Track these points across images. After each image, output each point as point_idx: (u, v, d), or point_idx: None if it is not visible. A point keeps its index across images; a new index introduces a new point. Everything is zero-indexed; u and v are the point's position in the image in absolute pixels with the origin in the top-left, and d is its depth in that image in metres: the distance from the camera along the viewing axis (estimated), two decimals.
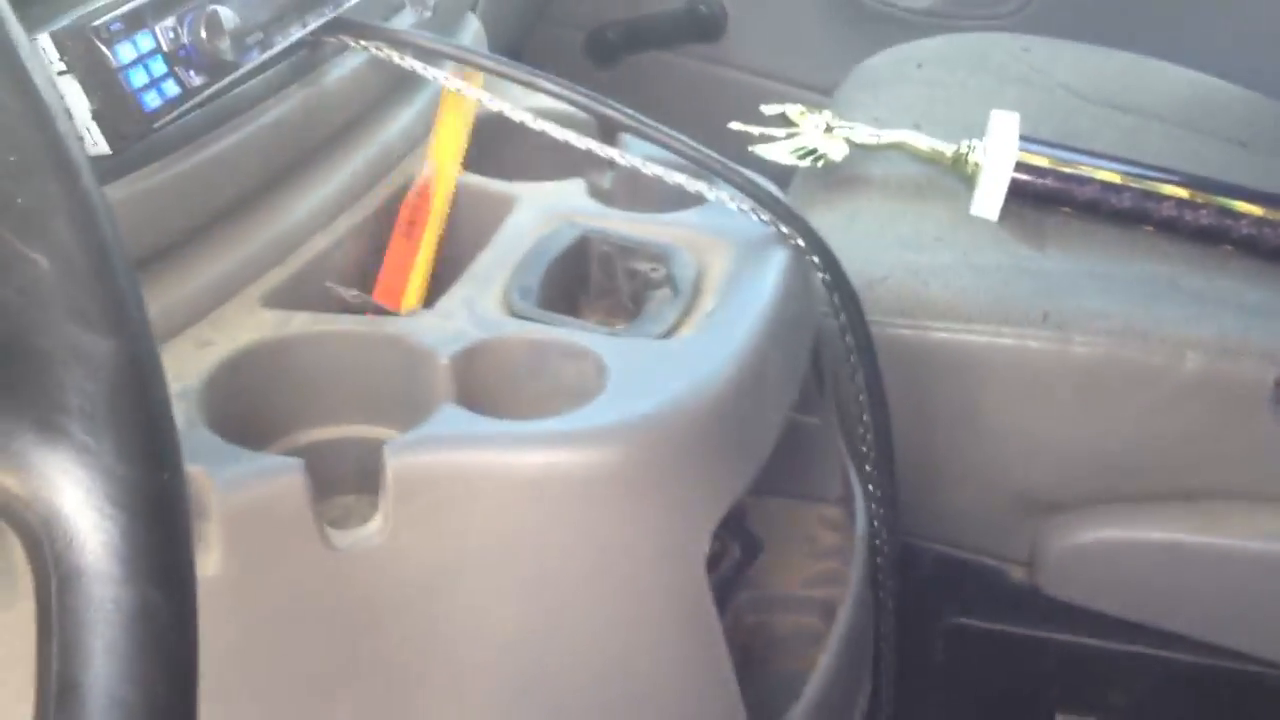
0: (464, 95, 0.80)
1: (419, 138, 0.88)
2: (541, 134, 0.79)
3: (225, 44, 0.65)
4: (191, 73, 0.64)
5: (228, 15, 0.66)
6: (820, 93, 1.43)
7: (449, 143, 0.85)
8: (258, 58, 0.69)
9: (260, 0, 0.70)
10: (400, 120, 0.88)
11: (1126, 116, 1.24)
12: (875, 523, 0.86)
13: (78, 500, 0.31)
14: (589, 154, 0.80)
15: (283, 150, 0.76)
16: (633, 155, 0.79)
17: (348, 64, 0.81)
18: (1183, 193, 1.05)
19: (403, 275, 0.79)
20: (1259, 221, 1.04)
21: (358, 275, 0.80)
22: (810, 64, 1.70)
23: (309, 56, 0.77)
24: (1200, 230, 1.05)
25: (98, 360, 0.31)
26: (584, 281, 0.81)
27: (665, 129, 0.80)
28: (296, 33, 0.72)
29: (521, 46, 1.72)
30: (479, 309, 0.72)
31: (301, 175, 0.78)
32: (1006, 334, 0.97)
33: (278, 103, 0.74)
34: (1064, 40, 1.37)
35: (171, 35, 0.63)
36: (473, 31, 1.02)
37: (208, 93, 0.66)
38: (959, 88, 1.28)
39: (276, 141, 0.74)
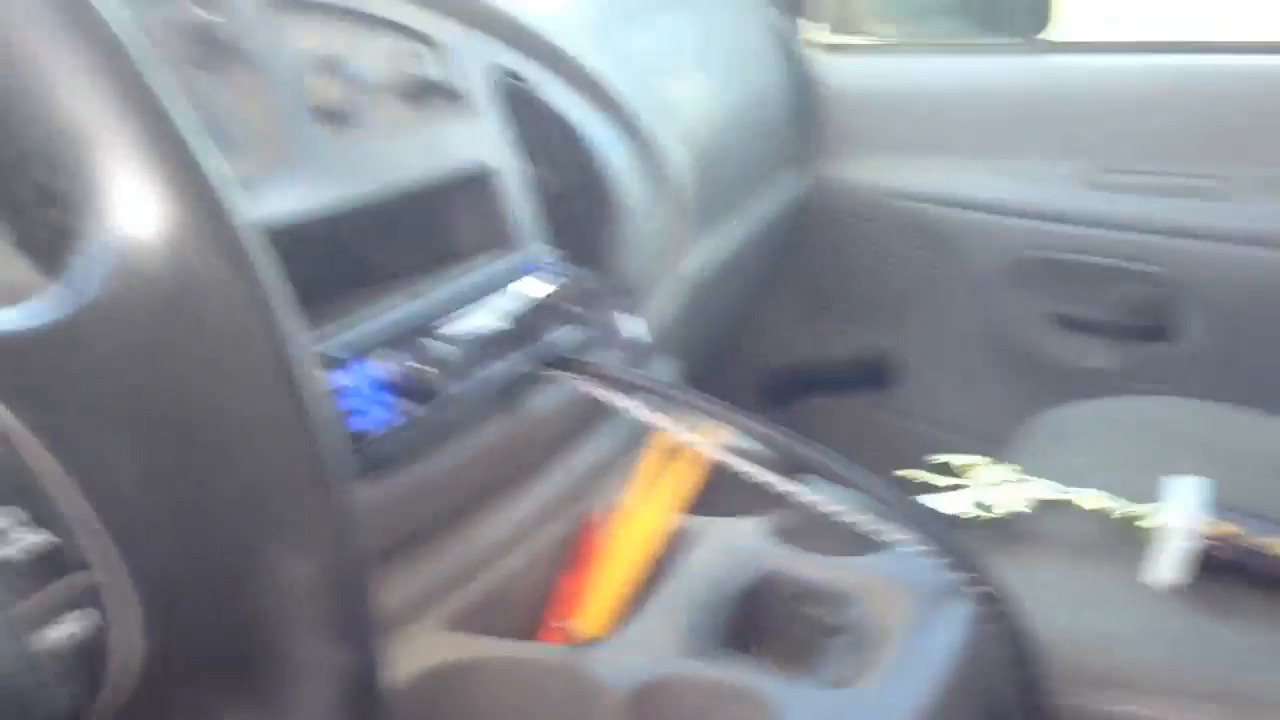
0: (663, 433, 0.83)
1: (610, 467, 0.92)
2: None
3: (438, 376, 0.70)
4: (404, 401, 0.69)
5: (442, 351, 0.71)
6: (993, 444, 1.43)
7: (649, 479, 0.88)
8: (467, 392, 0.73)
9: (471, 338, 0.75)
10: (593, 449, 0.91)
11: None
12: None
13: None
14: (772, 490, 0.81)
15: (482, 475, 0.79)
16: (816, 494, 0.80)
17: (548, 395, 0.85)
18: None
19: (571, 605, 0.80)
20: None
21: (541, 600, 0.81)
22: (984, 416, 1.70)
23: (513, 387, 0.81)
24: None
25: (336, 672, 0.33)
26: (761, 622, 0.81)
27: (854, 469, 0.80)
28: (503, 368, 0.77)
29: (701, 382, 1.77)
30: (656, 645, 0.73)
31: (496, 499, 0.81)
32: (1187, 710, 0.92)
33: (481, 430, 0.78)
34: (1239, 407, 1.35)
35: (391, 366, 0.68)
36: (667, 368, 1.07)
37: (417, 420, 0.70)
38: (1135, 449, 1.26)
39: (477, 467, 0.78)
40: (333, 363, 0.66)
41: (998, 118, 1.66)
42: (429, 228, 0.86)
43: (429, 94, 0.80)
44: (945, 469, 1.12)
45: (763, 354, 1.87)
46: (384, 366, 0.68)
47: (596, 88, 0.99)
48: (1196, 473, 1.10)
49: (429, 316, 0.73)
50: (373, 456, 0.69)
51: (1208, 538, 1.03)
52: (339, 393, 0.66)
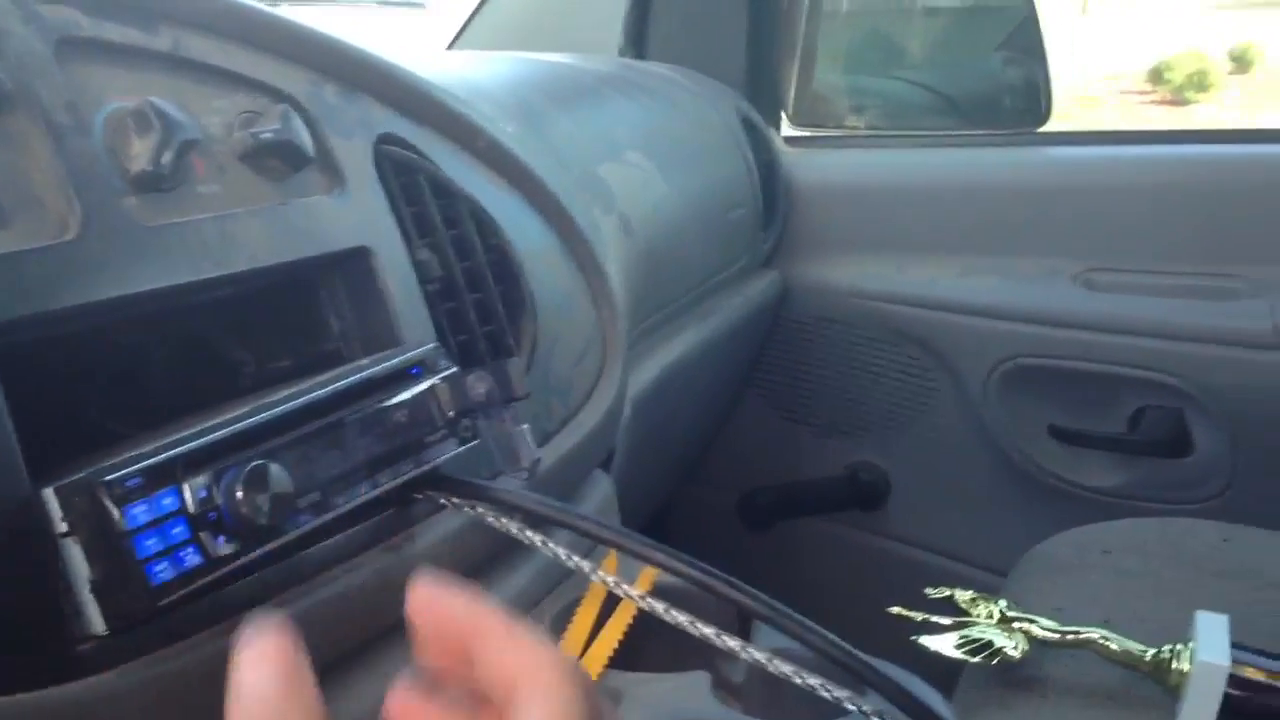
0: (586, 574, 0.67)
1: (525, 609, 0.77)
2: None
3: (265, 506, 0.54)
4: (220, 540, 0.53)
5: (277, 473, 0.55)
6: (992, 573, 1.29)
7: (574, 628, 0.73)
8: (310, 522, 0.58)
9: (321, 454, 0.59)
10: (505, 588, 0.76)
11: None
12: None
13: None
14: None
15: (350, 629, 0.64)
16: (765, 648, 0.65)
17: (442, 527, 0.70)
18: None
19: None
20: None
21: None
22: (980, 541, 1.57)
23: (394, 518, 0.66)
24: None
25: None
26: None
27: (807, 623, 0.65)
28: (365, 493, 0.61)
29: (669, 505, 1.64)
30: None
31: (375, 658, 0.66)
32: None
33: (347, 572, 0.63)
34: (1272, 532, 1.21)
35: (204, 494, 0.52)
36: (602, 493, 0.92)
37: (237, 564, 0.54)
38: (1153, 579, 1.13)
39: (342, 619, 0.62)
40: (123, 492, 0.50)
41: (983, 214, 1.56)
42: (302, 324, 0.72)
43: (285, 160, 0.67)
44: (946, 604, 0.98)
45: (737, 471, 1.73)
46: (195, 497, 0.53)
47: (510, 164, 0.86)
48: (1215, 602, 0.97)
49: (278, 430, 0.58)
50: (194, 611, 0.53)
51: (1240, 683, 0.90)
52: (127, 533, 0.50)
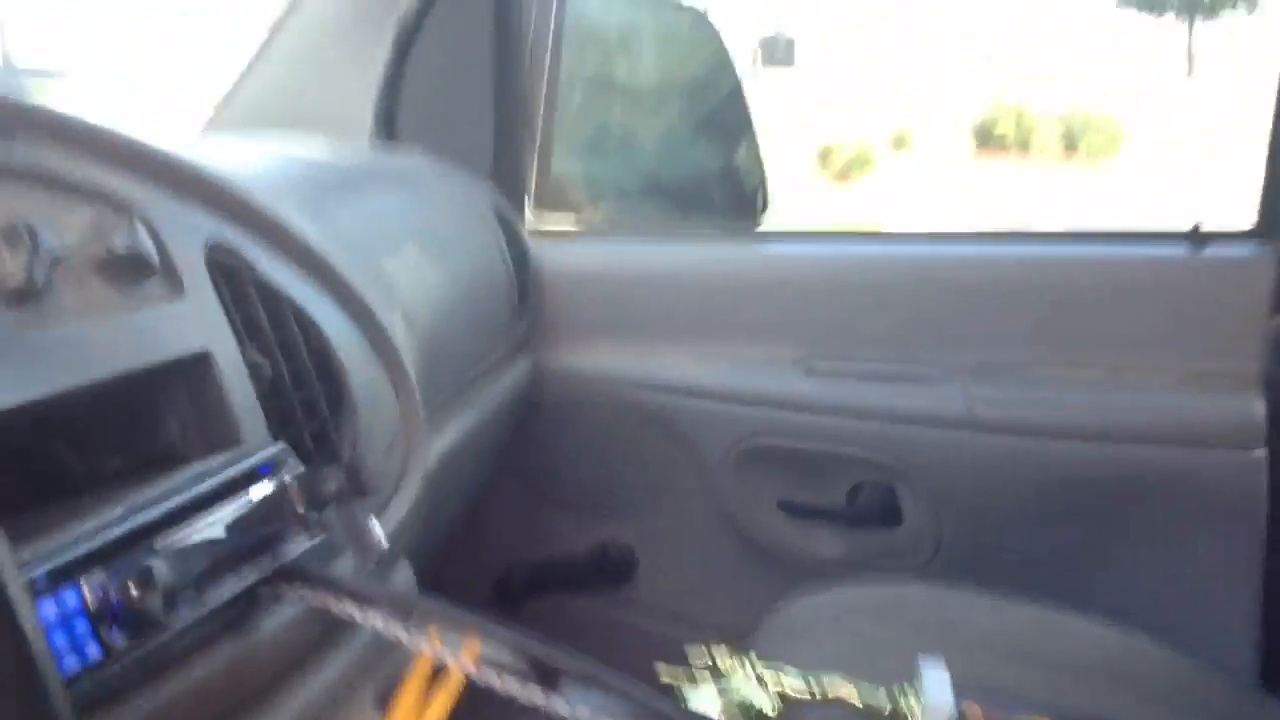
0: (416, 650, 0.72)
1: (350, 686, 0.80)
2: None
3: (156, 603, 0.58)
4: (116, 633, 0.56)
5: (162, 571, 0.59)
6: (734, 637, 1.39)
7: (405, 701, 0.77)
8: (189, 616, 0.61)
9: (195, 552, 0.63)
10: (332, 668, 0.80)
11: (1045, 670, 1.20)
12: None
13: None
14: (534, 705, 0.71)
15: (204, 710, 0.66)
16: (577, 706, 0.71)
17: (283, 613, 0.74)
18: None
19: None
20: None
21: None
22: (722, 609, 1.66)
23: (244, 606, 0.69)
24: None
25: None
26: None
27: (617, 677, 0.72)
28: (232, 587, 0.65)
29: (434, 585, 1.66)
30: None
31: None
32: None
33: (205, 659, 0.66)
34: (976, 592, 1.36)
35: (100, 592, 0.55)
36: (405, 575, 0.96)
37: (132, 656, 0.57)
38: (878, 639, 1.24)
39: (197, 702, 0.65)
40: (31, 591, 0.53)
41: (712, 303, 1.67)
42: (137, 425, 0.74)
43: (134, 270, 0.70)
44: (706, 666, 1.06)
45: (491, 552, 1.78)
46: (93, 594, 0.56)
47: (317, 263, 0.89)
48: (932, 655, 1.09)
49: (145, 531, 0.61)
50: (73, 696, 0.56)
51: None
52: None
